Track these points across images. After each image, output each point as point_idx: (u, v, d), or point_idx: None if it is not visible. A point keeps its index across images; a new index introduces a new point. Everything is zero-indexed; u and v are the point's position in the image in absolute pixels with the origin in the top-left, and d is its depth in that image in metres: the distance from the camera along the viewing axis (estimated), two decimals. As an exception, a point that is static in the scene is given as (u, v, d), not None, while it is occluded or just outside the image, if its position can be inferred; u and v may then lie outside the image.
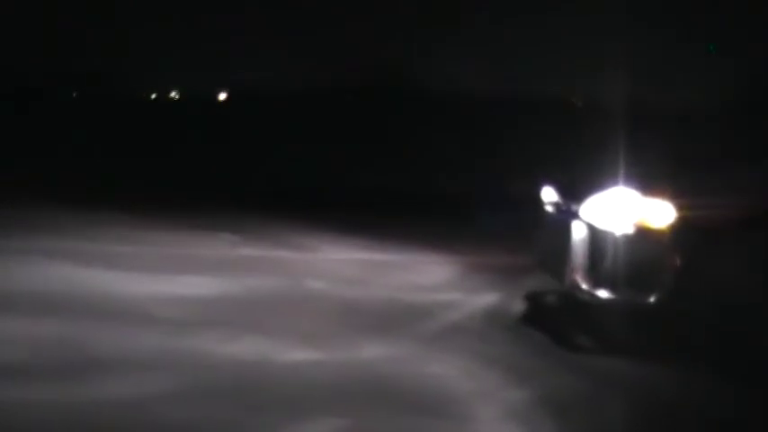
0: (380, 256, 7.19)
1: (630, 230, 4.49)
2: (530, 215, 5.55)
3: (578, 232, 4.70)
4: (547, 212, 5.33)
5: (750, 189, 4.53)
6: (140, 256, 6.56)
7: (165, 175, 12.23)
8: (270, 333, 4.67)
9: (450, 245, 7.49)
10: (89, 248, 6.62)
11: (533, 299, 5.66)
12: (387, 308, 5.41)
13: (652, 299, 4.46)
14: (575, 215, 4.78)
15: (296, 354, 4.36)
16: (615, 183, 4.59)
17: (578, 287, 4.67)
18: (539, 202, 5.43)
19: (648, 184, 4.54)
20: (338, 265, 6.74)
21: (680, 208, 4.45)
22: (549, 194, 5.35)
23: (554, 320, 5.24)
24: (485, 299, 5.70)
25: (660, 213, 4.46)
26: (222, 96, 21.47)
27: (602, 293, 4.55)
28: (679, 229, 4.43)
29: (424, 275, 6.47)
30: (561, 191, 5.22)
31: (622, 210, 4.52)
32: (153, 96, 23.37)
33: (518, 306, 5.53)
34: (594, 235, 4.60)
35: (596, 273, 4.57)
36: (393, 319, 5.13)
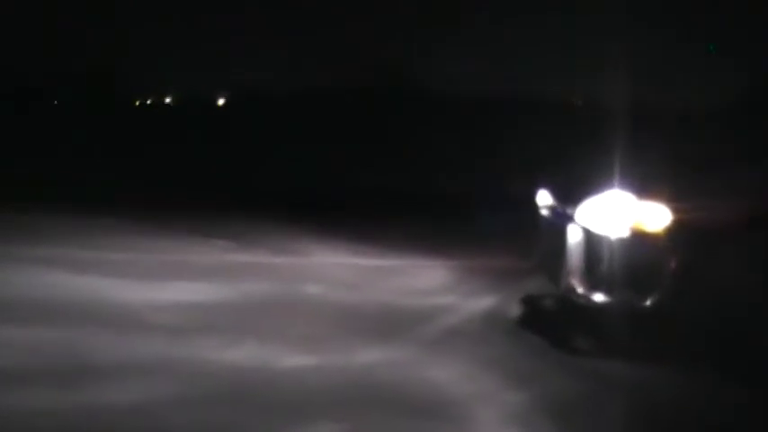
0: (380, 259, 7.18)
1: (626, 234, 4.48)
2: (529, 216, 5.56)
3: (574, 236, 4.70)
4: (543, 216, 5.33)
5: (749, 190, 4.52)
6: (137, 262, 6.56)
7: (165, 175, 12.24)
8: (267, 338, 4.67)
9: (450, 245, 7.49)
10: (86, 256, 6.62)
11: (531, 302, 5.67)
12: (386, 312, 5.41)
13: (648, 302, 4.46)
14: (570, 218, 4.78)
15: (293, 359, 4.36)
16: (611, 186, 4.59)
17: (574, 290, 4.67)
18: (535, 205, 5.43)
19: (644, 187, 4.53)
20: (336, 270, 6.73)
21: (676, 211, 4.44)
22: (544, 198, 5.35)
23: (552, 323, 5.25)
24: (482, 302, 5.71)
25: (656, 216, 4.46)
26: (221, 101, 21.51)
27: (599, 297, 4.56)
28: (675, 232, 4.42)
29: (422, 279, 6.47)
30: (557, 194, 5.22)
31: (618, 213, 4.51)
32: (148, 102, 23.38)
33: (516, 309, 5.53)
34: (590, 238, 4.60)
35: (592, 276, 4.57)
36: (392, 323, 5.14)
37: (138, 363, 4.19)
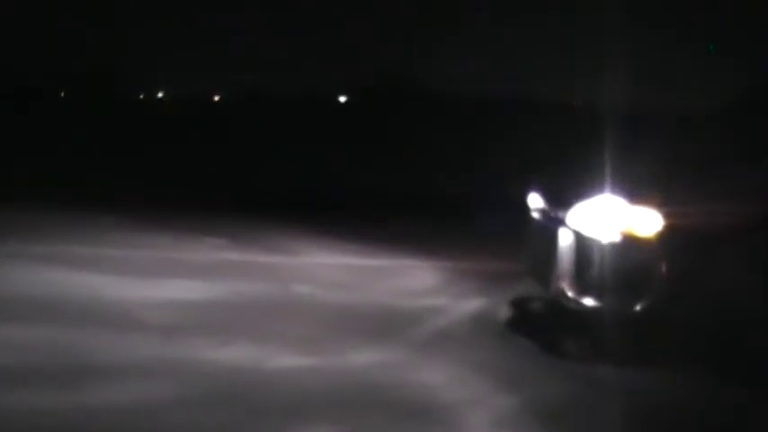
0: (379, 260, 7.20)
1: (617, 239, 4.50)
2: (526, 218, 5.57)
3: (565, 240, 4.72)
4: (533, 219, 5.34)
5: (747, 192, 4.53)
6: (135, 260, 6.60)
7: (165, 175, 12.25)
8: (262, 338, 4.71)
9: (450, 246, 7.52)
10: (84, 253, 6.66)
11: (521, 305, 5.69)
12: (380, 313, 5.44)
13: (638, 307, 4.48)
14: (561, 222, 4.79)
15: (287, 359, 4.40)
16: (602, 190, 4.60)
17: (564, 295, 4.69)
18: (526, 208, 5.45)
19: (636, 191, 4.54)
20: (335, 270, 6.75)
21: (668, 216, 4.46)
22: (535, 201, 5.36)
23: (543, 327, 5.27)
24: (473, 304, 5.73)
25: (647, 221, 4.47)
26: (216, 98, 21.53)
27: (588, 301, 4.58)
28: (666, 237, 4.44)
29: (419, 280, 6.49)
30: (547, 197, 5.22)
31: (609, 218, 4.53)
32: (141, 96, 23.38)
33: (507, 312, 5.56)
34: (581, 243, 4.61)
35: (582, 280, 4.59)
36: (386, 324, 5.17)
37: (134, 362, 4.23)
